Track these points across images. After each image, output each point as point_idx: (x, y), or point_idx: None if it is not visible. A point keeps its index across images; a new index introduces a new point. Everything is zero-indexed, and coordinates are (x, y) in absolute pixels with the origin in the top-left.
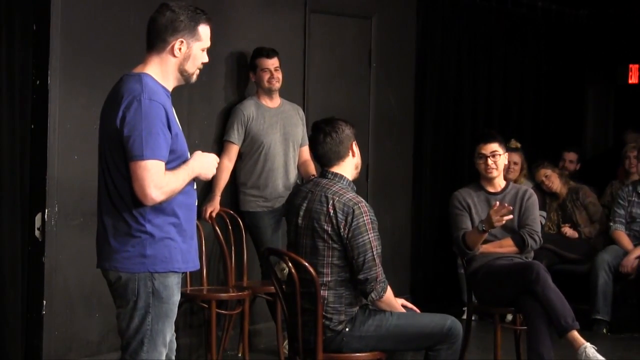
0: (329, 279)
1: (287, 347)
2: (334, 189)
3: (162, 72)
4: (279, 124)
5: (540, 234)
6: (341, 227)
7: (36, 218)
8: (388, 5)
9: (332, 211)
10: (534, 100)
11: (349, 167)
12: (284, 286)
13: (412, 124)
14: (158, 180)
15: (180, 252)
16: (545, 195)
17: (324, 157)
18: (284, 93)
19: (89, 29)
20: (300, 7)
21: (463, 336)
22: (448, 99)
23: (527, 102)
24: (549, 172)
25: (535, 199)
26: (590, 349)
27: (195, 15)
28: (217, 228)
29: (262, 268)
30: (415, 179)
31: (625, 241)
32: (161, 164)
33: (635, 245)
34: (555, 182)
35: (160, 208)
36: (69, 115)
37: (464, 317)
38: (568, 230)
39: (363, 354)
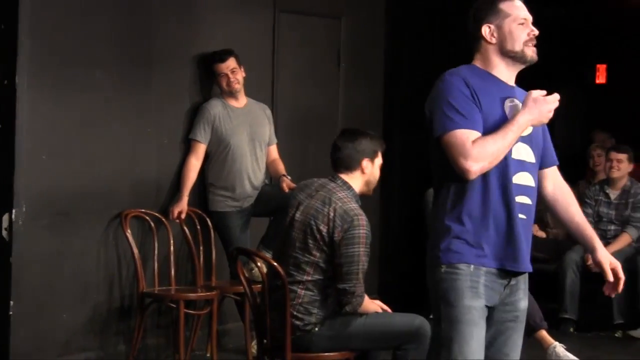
0: (309, 278)
1: (255, 347)
2: (339, 194)
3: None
4: (246, 124)
5: None
6: (336, 232)
7: (3, 218)
8: (357, 5)
9: (332, 214)
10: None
11: (357, 180)
12: (253, 286)
13: (381, 124)
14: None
15: None
16: None
17: (335, 162)
18: (253, 93)
19: (58, 29)
20: (270, 7)
21: (431, 336)
22: (417, 98)
23: None
24: None
25: None
26: (559, 347)
27: None
28: (185, 228)
29: (231, 268)
30: (385, 178)
31: None
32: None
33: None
34: None
35: None
36: (37, 115)
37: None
38: (536, 230)
39: (332, 354)
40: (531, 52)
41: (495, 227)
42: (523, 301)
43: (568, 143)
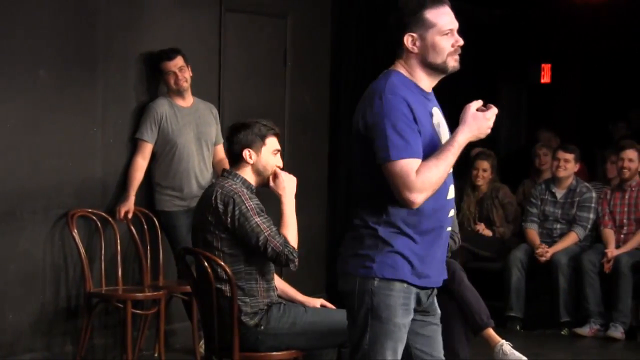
0: (227, 268)
1: (203, 346)
2: (222, 183)
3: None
4: (192, 124)
5: (459, 235)
6: (222, 216)
7: None
8: (303, 4)
9: (214, 202)
10: (448, 98)
11: (245, 170)
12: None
13: (327, 124)
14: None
15: None
16: (467, 185)
17: (227, 158)
18: (199, 92)
19: (0, 28)
20: (216, 6)
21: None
22: None
23: (441, 100)
24: (485, 165)
25: None
26: (506, 346)
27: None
28: (132, 228)
29: (178, 267)
30: (331, 178)
31: (536, 240)
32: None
33: (548, 244)
34: (485, 177)
35: None
36: None
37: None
38: (482, 228)
39: (279, 353)
40: (453, 63)
41: (430, 242)
42: (436, 300)
43: (513, 142)
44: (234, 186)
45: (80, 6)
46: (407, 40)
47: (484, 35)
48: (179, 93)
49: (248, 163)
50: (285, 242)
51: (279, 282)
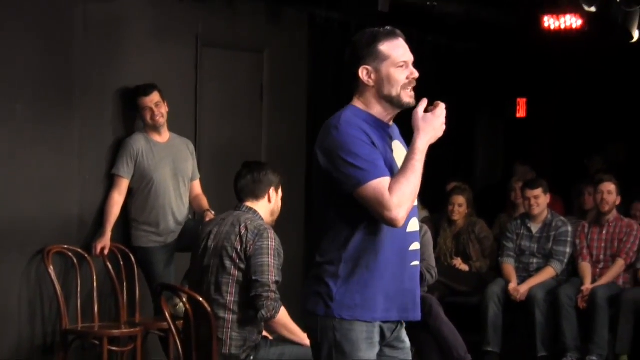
0: (232, 299)
1: None
2: (247, 216)
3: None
4: (169, 159)
5: (436, 270)
6: (249, 245)
7: None
8: (280, 40)
9: (243, 231)
10: None
11: (263, 208)
12: (177, 322)
13: (304, 159)
14: None
15: None
16: (443, 219)
17: (242, 191)
18: (175, 127)
19: None
20: (192, 41)
21: None
22: None
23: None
24: (461, 200)
25: (429, 235)
26: None
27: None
28: (108, 264)
29: (155, 304)
30: (308, 212)
31: (512, 275)
32: None
33: (524, 278)
34: (461, 212)
35: None
36: None
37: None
38: (459, 263)
39: None
40: (408, 98)
41: (391, 278)
42: (405, 333)
43: (489, 176)
44: (261, 221)
45: (57, 40)
46: (362, 72)
47: (460, 69)
48: (155, 128)
49: (270, 202)
50: (277, 301)
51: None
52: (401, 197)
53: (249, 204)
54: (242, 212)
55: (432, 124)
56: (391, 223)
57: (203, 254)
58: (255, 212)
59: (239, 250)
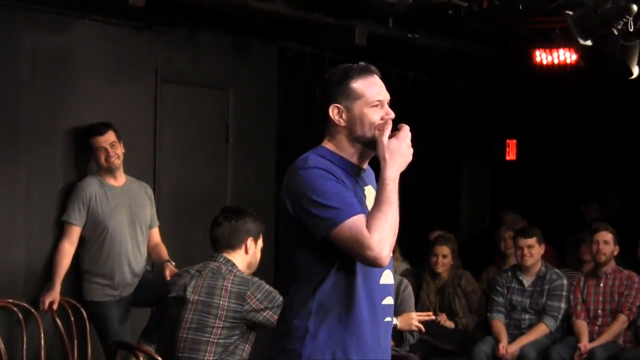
0: (211, 357)
1: None
2: (226, 268)
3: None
4: (125, 205)
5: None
6: (247, 299)
7: None
8: (247, 76)
9: (228, 285)
10: (406, 176)
11: (240, 259)
12: None
13: (273, 204)
14: None
15: None
16: (425, 272)
17: (217, 240)
18: (133, 169)
19: None
20: (151, 77)
21: None
22: None
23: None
24: (445, 250)
25: (410, 289)
26: None
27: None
28: (57, 320)
29: None
30: (277, 261)
31: (502, 333)
32: None
33: (515, 336)
34: (446, 263)
35: None
36: None
37: None
38: (443, 319)
39: None
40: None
41: (361, 334)
42: None
43: (475, 224)
44: (243, 274)
45: (2, 79)
46: (333, 111)
47: (444, 108)
48: (110, 171)
49: (247, 253)
50: None
51: None
52: (381, 233)
53: (225, 254)
54: (218, 264)
55: (399, 150)
56: (374, 262)
57: (177, 308)
58: (233, 264)
59: (225, 307)
